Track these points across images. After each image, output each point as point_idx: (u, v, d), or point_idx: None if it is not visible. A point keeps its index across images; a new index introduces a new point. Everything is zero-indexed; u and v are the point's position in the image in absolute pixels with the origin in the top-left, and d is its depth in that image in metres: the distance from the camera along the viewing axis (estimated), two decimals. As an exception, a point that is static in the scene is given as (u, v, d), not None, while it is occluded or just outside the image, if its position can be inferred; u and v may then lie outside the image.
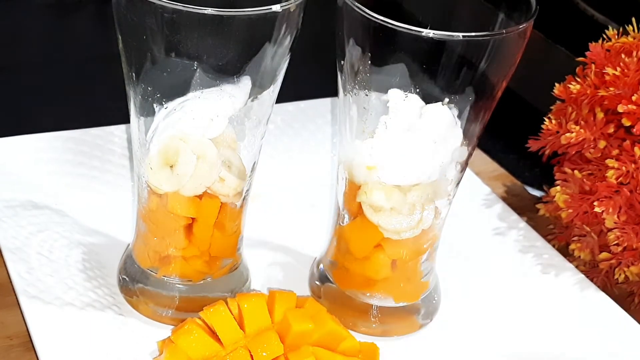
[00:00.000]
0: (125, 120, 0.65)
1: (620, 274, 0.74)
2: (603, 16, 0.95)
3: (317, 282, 0.72)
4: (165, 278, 0.67)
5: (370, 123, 0.64)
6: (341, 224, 0.68)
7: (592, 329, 0.70)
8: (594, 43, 0.77)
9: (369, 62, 0.61)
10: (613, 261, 0.74)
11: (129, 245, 0.71)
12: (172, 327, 0.65)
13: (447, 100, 0.61)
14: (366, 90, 0.62)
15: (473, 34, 0.58)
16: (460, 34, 0.58)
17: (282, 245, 0.77)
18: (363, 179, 0.65)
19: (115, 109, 0.73)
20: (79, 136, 0.80)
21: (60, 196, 0.76)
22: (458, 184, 0.66)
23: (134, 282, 0.68)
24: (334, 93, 0.84)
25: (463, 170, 0.66)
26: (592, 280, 0.75)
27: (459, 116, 0.62)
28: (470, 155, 0.65)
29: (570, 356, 0.69)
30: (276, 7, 0.57)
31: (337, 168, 0.68)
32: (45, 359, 0.61)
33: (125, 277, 0.69)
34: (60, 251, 0.70)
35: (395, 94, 0.61)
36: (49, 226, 0.72)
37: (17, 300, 0.65)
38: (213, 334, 0.61)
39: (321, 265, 0.72)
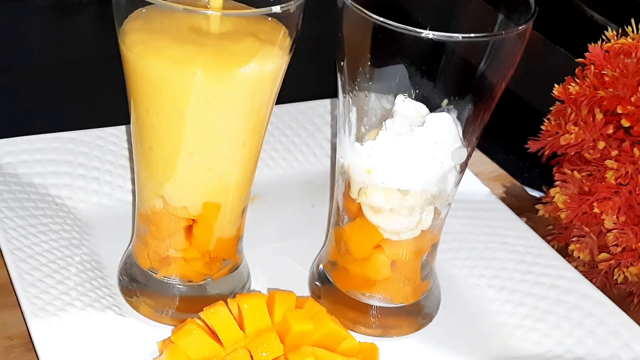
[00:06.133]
0: (126, 120, 0.65)
1: (619, 275, 0.74)
2: (602, 17, 0.95)
3: (317, 283, 0.72)
4: (166, 279, 0.67)
5: (370, 124, 0.64)
6: (341, 224, 0.69)
7: (591, 330, 0.70)
8: (593, 44, 0.77)
9: (369, 63, 0.61)
10: (612, 262, 0.75)
11: (129, 245, 0.71)
12: (172, 327, 0.65)
13: (446, 101, 0.61)
14: (366, 92, 0.62)
15: (472, 35, 0.58)
16: (460, 35, 0.58)
17: (282, 245, 0.77)
18: (362, 180, 0.65)
19: (115, 109, 0.73)
20: (79, 137, 0.80)
21: (60, 196, 0.76)
22: (457, 184, 0.67)
23: (134, 282, 0.68)
24: (333, 94, 0.84)
25: (462, 171, 0.66)
26: (591, 280, 0.75)
27: (459, 117, 0.62)
28: (469, 156, 0.65)
29: (570, 356, 0.69)
30: (276, 8, 0.57)
31: (337, 169, 0.68)
32: (45, 359, 0.61)
33: (125, 277, 0.69)
34: (60, 251, 0.70)
35: (396, 97, 0.61)
36: (49, 226, 0.72)
37: (18, 301, 0.65)
38: (213, 334, 0.61)
39: (321, 266, 0.72)
